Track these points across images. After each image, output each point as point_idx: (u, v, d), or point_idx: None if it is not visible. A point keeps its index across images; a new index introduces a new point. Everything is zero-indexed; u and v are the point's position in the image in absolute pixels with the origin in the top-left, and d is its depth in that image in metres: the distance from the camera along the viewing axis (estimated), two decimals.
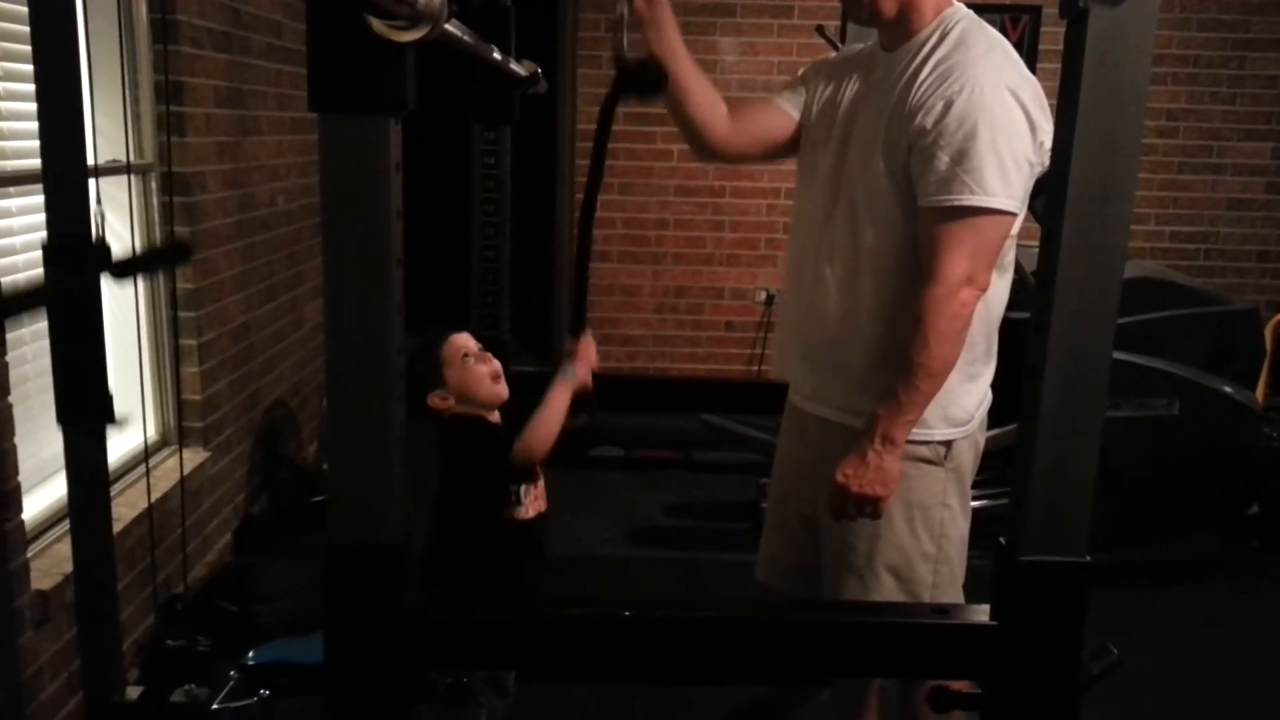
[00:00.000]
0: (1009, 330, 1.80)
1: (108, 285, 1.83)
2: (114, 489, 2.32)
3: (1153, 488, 3.31)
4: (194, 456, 2.99)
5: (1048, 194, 1.19)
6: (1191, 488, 3.39)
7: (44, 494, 2.40)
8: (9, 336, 2.09)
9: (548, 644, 1.31)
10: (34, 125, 1.74)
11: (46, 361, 1.80)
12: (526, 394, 1.90)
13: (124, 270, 1.84)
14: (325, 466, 3.32)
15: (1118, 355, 1.22)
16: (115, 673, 1.99)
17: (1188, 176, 5.14)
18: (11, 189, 2.31)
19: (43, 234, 1.79)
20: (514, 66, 2.24)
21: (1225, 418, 3.33)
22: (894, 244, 1.71)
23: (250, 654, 2.57)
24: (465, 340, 1.92)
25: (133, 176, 2.76)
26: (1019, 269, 1.87)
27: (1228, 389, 3.33)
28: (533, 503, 1.94)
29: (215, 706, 2.31)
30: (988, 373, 1.83)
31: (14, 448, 2.08)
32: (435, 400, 1.87)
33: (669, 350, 5.26)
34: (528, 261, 3.72)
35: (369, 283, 1.12)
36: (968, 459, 1.83)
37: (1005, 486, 1.36)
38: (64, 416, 1.81)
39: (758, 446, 3.57)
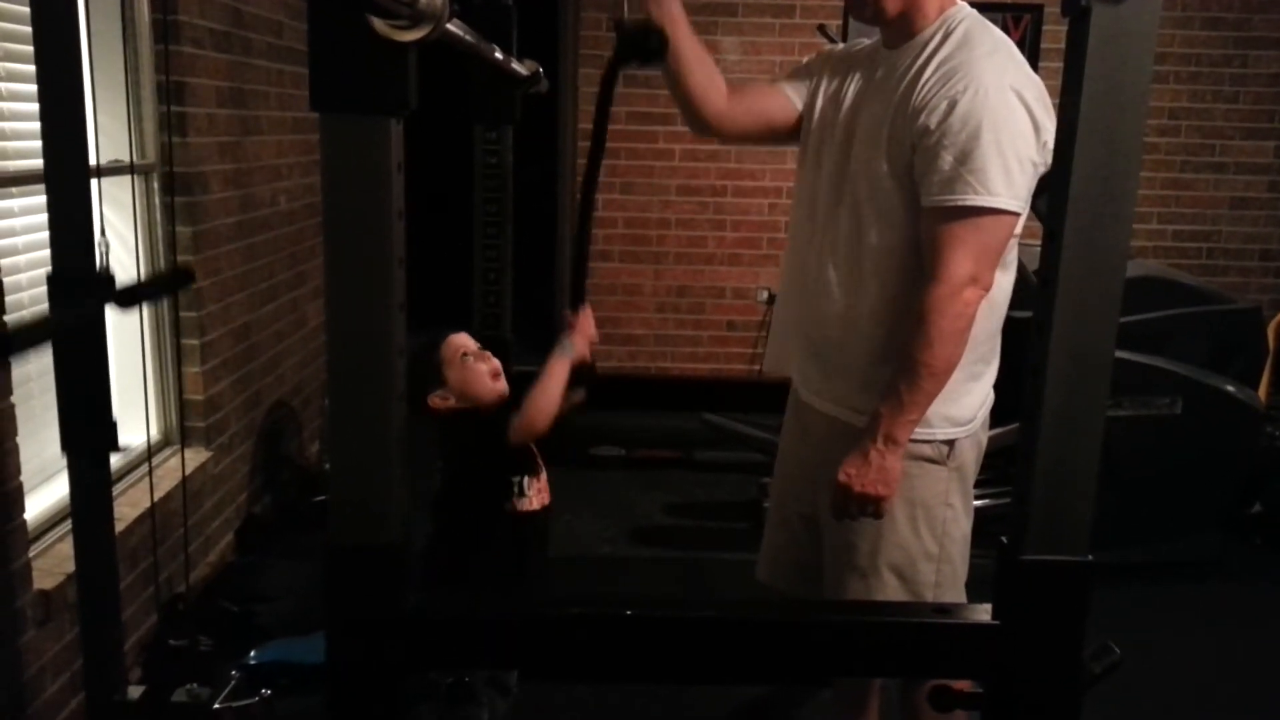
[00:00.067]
0: (1011, 329, 1.80)
1: None
2: (116, 489, 2.32)
3: (1154, 487, 3.31)
4: (196, 456, 2.99)
5: (1050, 193, 1.19)
6: (1193, 487, 3.39)
7: (46, 494, 2.40)
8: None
9: (548, 644, 1.31)
10: (36, 125, 1.74)
11: (48, 361, 1.80)
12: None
13: (128, 300, 1.85)
14: (327, 466, 3.33)
15: (1120, 354, 1.22)
16: (117, 672, 1.99)
17: (1190, 175, 5.14)
18: (14, 189, 2.31)
19: (44, 234, 1.79)
20: (515, 66, 2.24)
21: (1227, 417, 3.32)
22: (897, 243, 1.71)
23: (252, 653, 2.57)
24: (464, 340, 1.93)
25: (135, 177, 2.76)
26: (1021, 268, 1.87)
27: (1230, 388, 3.33)
28: (536, 495, 1.94)
29: (217, 706, 2.31)
30: (990, 372, 1.83)
31: (16, 447, 2.08)
32: (436, 400, 1.87)
33: (670, 350, 5.26)
34: (530, 261, 3.72)
35: (370, 282, 1.12)
36: (970, 458, 1.83)
37: (1007, 486, 1.36)
38: (68, 445, 1.82)
39: (759, 446, 3.56)
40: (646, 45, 1.68)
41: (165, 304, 2.92)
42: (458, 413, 1.89)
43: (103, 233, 1.78)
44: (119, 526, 2.19)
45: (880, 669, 1.70)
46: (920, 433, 1.71)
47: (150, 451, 2.76)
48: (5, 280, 2.08)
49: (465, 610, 1.34)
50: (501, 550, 1.92)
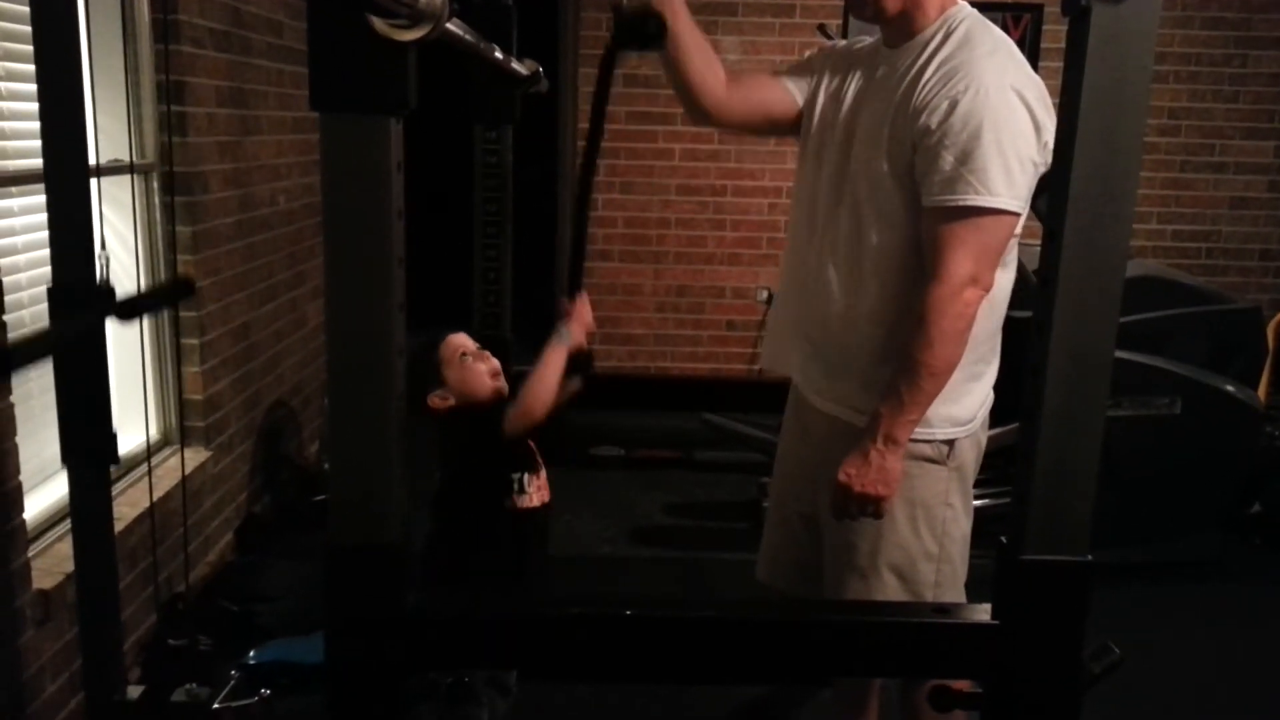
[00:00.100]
0: (1011, 329, 1.80)
1: None
2: (115, 488, 2.32)
3: (1154, 487, 3.31)
4: (195, 456, 2.99)
5: (1050, 193, 1.19)
6: (1193, 487, 3.39)
7: (45, 493, 2.40)
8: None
9: (548, 644, 1.31)
10: (35, 125, 1.74)
11: (48, 360, 1.80)
12: None
13: (128, 312, 1.85)
14: (327, 466, 3.33)
15: (1119, 354, 1.22)
16: (117, 672, 1.99)
17: (1190, 175, 5.14)
18: (13, 189, 2.31)
19: (44, 233, 1.79)
20: (515, 65, 2.24)
21: (1227, 417, 3.32)
22: (898, 243, 1.71)
23: (251, 653, 2.57)
24: (463, 340, 1.93)
25: (135, 176, 2.76)
26: (1021, 268, 1.87)
27: (1230, 388, 3.33)
28: (536, 492, 1.94)
29: (216, 706, 2.31)
30: (990, 372, 1.83)
31: (15, 447, 2.08)
32: (435, 400, 1.87)
33: (670, 349, 5.26)
34: (529, 261, 3.72)
35: (370, 282, 1.12)
36: (970, 458, 1.83)
37: (1007, 486, 1.36)
38: (68, 458, 1.83)
39: (759, 446, 3.56)
40: (645, 30, 1.67)
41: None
42: (456, 411, 1.89)
43: (103, 246, 1.78)
44: (118, 526, 2.19)
45: (880, 669, 1.70)
46: (920, 432, 1.71)
47: (150, 451, 2.75)
48: (5, 280, 2.08)
49: (465, 610, 1.34)
50: (502, 547, 1.92)
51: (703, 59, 1.83)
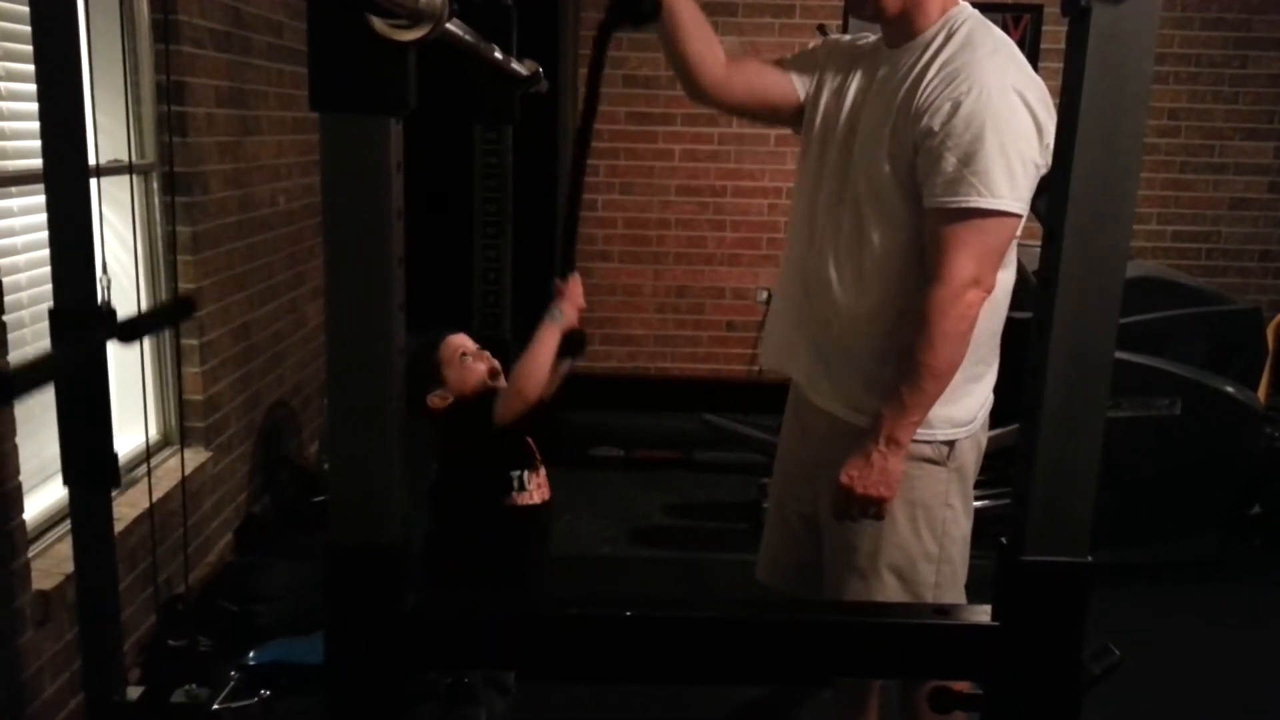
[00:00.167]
0: (1011, 330, 1.80)
1: None
2: (115, 489, 2.32)
3: (1154, 487, 3.31)
4: (195, 456, 2.99)
5: (1050, 193, 1.19)
6: (1193, 487, 3.38)
7: (45, 493, 2.39)
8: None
9: (548, 644, 1.31)
10: (35, 125, 1.74)
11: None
12: None
13: (129, 334, 1.85)
14: (326, 466, 3.33)
15: (1119, 355, 1.22)
16: (116, 673, 1.99)
17: (1190, 176, 5.14)
18: (13, 189, 2.31)
19: (43, 233, 1.79)
20: (515, 66, 2.24)
21: (1227, 417, 3.32)
22: (899, 243, 1.70)
23: (251, 654, 2.57)
24: (462, 340, 1.93)
25: (134, 176, 2.76)
26: (1021, 268, 1.86)
27: (1229, 389, 3.33)
28: (536, 489, 1.94)
29: (216, 706, 2.31)
30: (991, 373, 1.83)
31: (15, 448, 2.08)
32: (435, 400, 1.87)
33: (670, 350, 5.26)
34: (529, 261, 3.72)
35: (370, 282, 1.12)
36: (970, 459, 1.83)
37: (1007, 486, 1.36)
38: (69, 479, 1.83)
39: (758, 446, 3.56)
40: (640, 7, 1.66)
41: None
42: (453, 409, 1.88)
43: (104, 269, 1.78)
44: (118, 527, 2.19)
45: (880, 670, 1.70)
46: (921, 433, 1.71)
47: (149, 452, 2.75)
48: (6, 299, 2.08)
49: (465, 610, 1.34)
50: (502, 544, 1.92)
51: (701, 38, 1.81)
